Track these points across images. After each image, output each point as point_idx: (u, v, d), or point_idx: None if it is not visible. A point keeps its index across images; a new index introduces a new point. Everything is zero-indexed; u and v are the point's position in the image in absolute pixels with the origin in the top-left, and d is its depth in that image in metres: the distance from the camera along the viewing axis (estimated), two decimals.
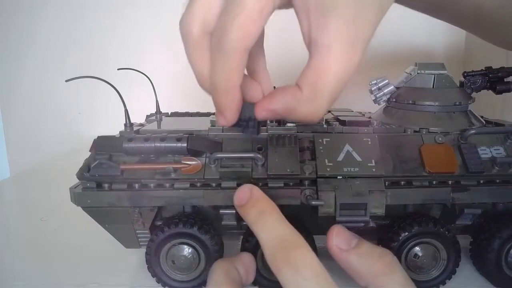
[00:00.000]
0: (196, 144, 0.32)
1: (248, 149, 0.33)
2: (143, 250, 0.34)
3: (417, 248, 0.33)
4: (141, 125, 0.40)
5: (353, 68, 0.21)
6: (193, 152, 0.32)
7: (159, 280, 0.34)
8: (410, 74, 0.39)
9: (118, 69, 0.42)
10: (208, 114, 0.45)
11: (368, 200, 0.31)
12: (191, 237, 0.33)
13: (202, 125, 0.36)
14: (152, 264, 0.33)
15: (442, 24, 0.40)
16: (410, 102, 0.37)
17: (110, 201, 0.32)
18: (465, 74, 0.39)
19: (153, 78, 0.43)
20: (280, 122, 0.36)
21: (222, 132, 0.34)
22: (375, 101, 0.40)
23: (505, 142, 0.34)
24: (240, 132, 0.31)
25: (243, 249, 0.33)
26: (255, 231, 0.25)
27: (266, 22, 0.22)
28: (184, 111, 0.48)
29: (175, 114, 0.47)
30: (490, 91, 0.40)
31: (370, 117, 0.41)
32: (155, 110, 0.45)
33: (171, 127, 0.37)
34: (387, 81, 0.40)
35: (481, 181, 0.33)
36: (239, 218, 0.34)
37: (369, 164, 0.32)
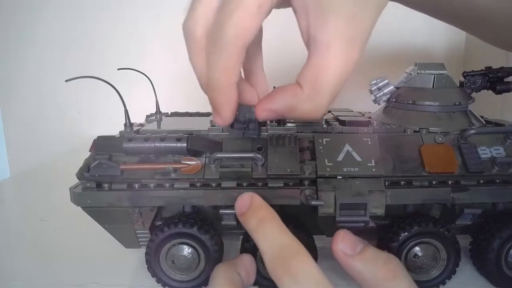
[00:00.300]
0: (196, 144, 0.32)
1: (248, 149, 0.33)
2: (143, 250, 0.34)
3: (417, 248, 0.33)
4: (141, 125, 0.40)
5: (352, 65, 0.21)
6: (193, 152, 0.32)
7: (159, 280, 0.34)
8: (410, 74, 0.39)
9: (118, 69, 0.42)
10: (208, 114, 0.45)
11: (368, 200, 0.31)
12: (190, 237, 0.33)
13: (202, 125, 0.36)
14: (152, 264, 0.33)
15: (442, 24, 0.40)
16: (410, 102, 0.37)
17: (110, 201, 0.32)
18: (465, 74, 0.39)
19: (153, 78, 0.43)
20: (280, 122, 0.36)
21: (222, 132, 0.34)
22: (375, 101, 0.40)
23: (505, 142, 0.34)
24: (240, 134, 0.31)
25: (243, 249, 0.33)
26: (255, 239, 0.26)
27: (264, 19, 0.22)
28: (184, 111, 0.48)
29: (175, 114, 0.47)
30: (490, 91, 0.40)
31: (370, 117, 0.41)
32: (155, 110, 0.45)
33: (171, 127, 0.37)
34: (387, 81, 0.40)
35: (481, 181, 0.33)
36: None
37: (369, 164, 0.32)
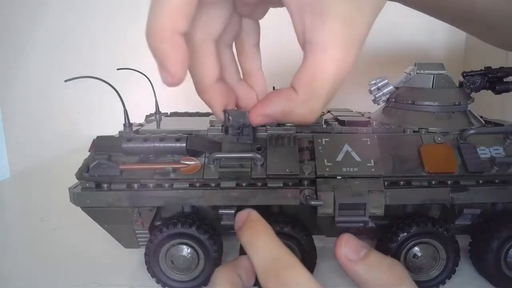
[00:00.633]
0: (195, 144, 0.32)
1: (247, 149, 0.33)
2: (142, 250, 0.34)
3: (416, 248, 0.33)
4: (141, 125, 0.40)
5: (348, 68, 0.21)
6: (192, 152, 0.32)
7: (158, 280, 0.34)
8: (410, 74, 0.39)
9: (118, 69, 0.42)
10: (207, 114, 0.45)
11: (367, 200, 0.31)
12: (190, 237, 0.33)
13: (201, 125, 0.36)
14: (151, 264, 0.33)
15: (442, 24, 0.39)
16: (410, 102, 0.37)
17: (109, 201, 0.32)
18: (464, 74, 0.39)
19: (153, 78, 0.43)
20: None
21: (222, 132, 0.34)
22: (375, 101, 0.40)
23: (504, 142, 0.34)
24: (235, 139, 0.31)
25: (242, 250, 0.33)
26: (248, 253, 0.25)
27: None
28: (183, 111, 0.48)
29: (174, 114, 0.47)
30: (489, 91, 0.40)
31: (369, 117, 0.41)
32: (155, 110, 0.45)
33: (171, 127, 0.37)
34: (386, 81, 0.40)
35: (480, 181, 0.33)
36: None
37: (368, 164, 0.32)
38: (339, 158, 0.32)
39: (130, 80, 0.45)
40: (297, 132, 0.34)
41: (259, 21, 0.28)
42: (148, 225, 0.35)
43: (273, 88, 0.38)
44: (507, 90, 0.39)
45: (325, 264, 0.37)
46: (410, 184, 0.33)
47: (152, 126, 0.39)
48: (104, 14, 0.82)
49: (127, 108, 0.34)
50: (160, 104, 0.45)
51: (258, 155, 0.32)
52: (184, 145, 0.31)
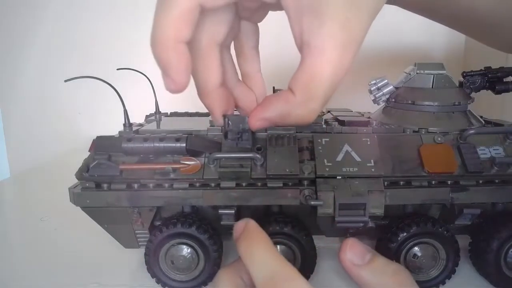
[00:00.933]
0: (195, 144, 0.32)
1: (247, 149, 0.33)
2: (143, 250, 0.34)
3: (416, 248, 0.33)
4: (140, 125, 0.40)
5: (345, 70, 0.21)
6: (192, 152, 0.32)
7: (158, 280, 0.34)
8: (410, 74, 0.39)
9: (118, 69, 0.42)
10: (207, 114, 0.45)
11: (367, 200, 0.31)
12: (189, 237, 0.33)
13: (201, 125, 0.36)
14: (151, 264, 0.33)
15: (441, 25, 0.40)
16: (409, 102, 0.37)
17: (109, 201, 0.32)
18: (464, 74, 0.39)
19: (153, 78, 0.43)
20: None
21: (221, 132, 0.34)
22: (375, 101, 0.40)
23: (504, 142, 0.34)
24: (234, 144, 0.31)
25: None
26: (246, 265, 0.24)
27: None
28: (183, 111, 0.48)
29: (174, 114, 0.47)
30: (489, 91, 0.40)
31: (369, 117, 0.41)
32: (155, 110, 0.45)
33: (170, 127, 0.37)
34: (386, 81, 0.40)
35: (480, 181, 0.33)
36: (238, 218, 0.34)
37: (368, 164, 0.32)
38: (339, 158, 0.32)
39: (130, 80, 0.45)
40: (297, 132, 0.34)
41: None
42: (148, 225, 0.35)
43: (273, 88, 0.38)
44: (507, 90, 0.39)
45: (325, 264, 0.37)
46: (410, 184, 0.33)
47: (152, 126, 0.39)
48: (104, 14, 0.82)
49: (127, 108, 0.34)
50: (160, 104, 0.45)
51: (258, 155, 0.32)
52: (184, 145, 0.31)
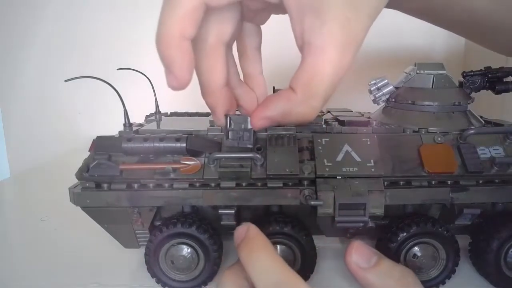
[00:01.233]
0: (195, 144, 0.32)
1: (247, 149, 0.33)
2: (143, 250, 0.34)
3: (416, 248, 0.33)
4: (141, 125, 0.40)
5: (345, 69, 0.21)
6: (192, 152, 0.32)
7: (158, 280, 0.34)
8: (409, 74, 0.39)
9: (118, 69, 0.42)
10: (207, 114, 0.45)
11: (367, 200, 0.31)
12: (189, 237, 0.33)
13: (201, 125, 0.36)
14: (152, 264, 0.33)
15: None
16: (409, 102, 0.37)
17: (109, 201, 0.32)
18: (464, 74, 0.39)
19: (153, 78, 0.43)
20: None
21: (222, 132, 0.34)
22: (375, 101, 0.40)
23: (504, 142, 0.34)
24: (235, 144, 0.31)
25: None
26: (248, 272, 0.24)
27: None
28: (183, 111, 0.48)
29: (174, 114, 0.47)
30: (489, 91, 0.40)
31: (369, 117, 0.41)
32: (155, 110, 0.45)
33: (170, 127, 0.37)
34: (386, 81, 0.40)
35: (480, 181, 0.33)
36: (238, 218, 0.34)
37: (368, 164, 0.32)
38: (339, 158, 0.32)
39: (130, 80, 0.45)
40: (297, 132, 0.35)
41: None
42: (148, 225, 0.35)
43: (273, 88, 0.38)
44: (507, 90, 0.39)
45: (325, 264, 0.37)
46: (410, 184, 0.33)
47: (152, 126, 0.39)
48: (104, 14, 0.82)
49: (127, 108, 0.34)
50: (160, 104, 0.45)
51: (258, 155, 0.32)
52: (184, 145, 0.31)
